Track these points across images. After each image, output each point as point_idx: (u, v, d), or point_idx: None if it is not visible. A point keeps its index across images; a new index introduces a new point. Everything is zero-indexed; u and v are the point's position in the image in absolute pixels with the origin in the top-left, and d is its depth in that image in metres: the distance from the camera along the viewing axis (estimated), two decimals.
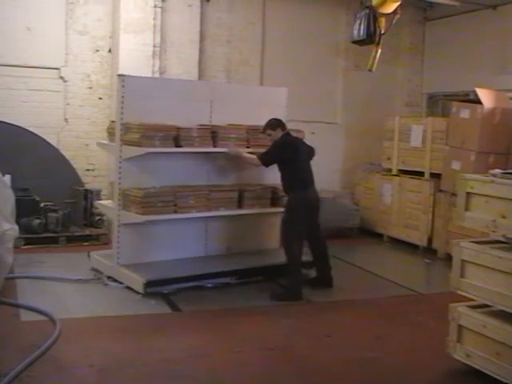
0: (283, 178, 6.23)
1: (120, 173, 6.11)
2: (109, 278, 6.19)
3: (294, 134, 6.58)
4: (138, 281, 5.84)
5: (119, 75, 6.33)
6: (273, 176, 6.62)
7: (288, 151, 6.18)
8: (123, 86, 6.08)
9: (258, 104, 6.91)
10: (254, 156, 6.32)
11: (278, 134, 6.23)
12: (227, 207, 6.41)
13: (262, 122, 6.36)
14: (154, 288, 5.82)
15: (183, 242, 6.50)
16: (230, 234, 6.90)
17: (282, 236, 6.28)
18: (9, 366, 3.97)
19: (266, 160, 6.22)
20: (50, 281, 6.15)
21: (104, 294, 5.89)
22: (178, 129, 6.16)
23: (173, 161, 6.35)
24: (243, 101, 6.87)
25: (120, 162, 6.10)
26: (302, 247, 6.14)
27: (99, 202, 7.36)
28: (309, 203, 6.18)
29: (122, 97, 6.06)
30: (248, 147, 6.59)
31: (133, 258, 6.21)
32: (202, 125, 6.44)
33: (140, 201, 5.85)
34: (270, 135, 6.27)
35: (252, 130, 6.67)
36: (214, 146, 6.41)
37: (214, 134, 6.40)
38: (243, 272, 6.41)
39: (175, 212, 6.06)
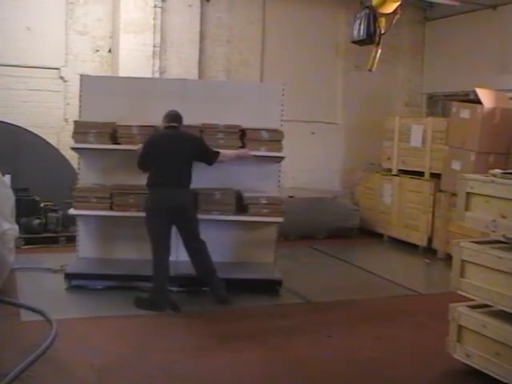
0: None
1: (79, 169, 6.53)
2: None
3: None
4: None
5: (81, 75, 6.67)
6: (238, 180, 6.34)
7: (146, 147, 5.63)
8: (81, 86, 6.41)
9: (237, 101, 6.39)
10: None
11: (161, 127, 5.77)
12: None
13: (242, 121, 6.16)
14: (78, 281, 5.98)
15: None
16: (209, 242, 6.34)
17: None
18: (9, 366, 3.97)
19: (138, 160, 5.67)
20: (43, 278, 6.26)
21: (105, 294, 5.90)
22: (116, 126, 6.15)
23: (126, 160, 6.10)
24: (220, 98, 6.40)
25: (79, 159, 6.50)
26: (164, 254, 5.51)
27: None
28: (163, 206, 5.49)
29: (81, 96, 6.41)
30: None
31: (93, 252, 6.40)
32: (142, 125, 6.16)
33: (75, 195, 6.15)
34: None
35: (208, 129, 6.18)
36: None
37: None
38: (182, 280, 5.96)
39: (111, 209, 6.05)
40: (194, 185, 5.84)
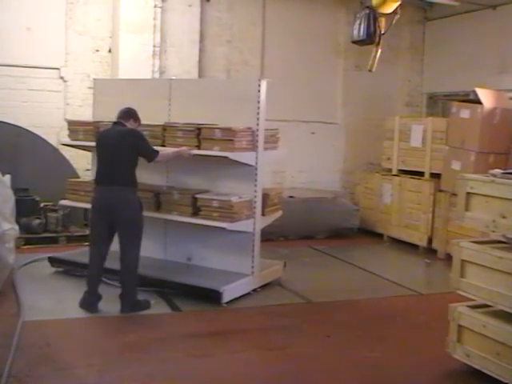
0: None
1: (92, 166, 6.83)
2: None
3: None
4: None
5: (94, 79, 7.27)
6: (220, 181, 6.16)
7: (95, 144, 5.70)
8: (94, 88, 7.05)
9: (227, 100, 6.09)
10: None
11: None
12: (145, 209, 5.70)
13: (230, 119, 5.90)
14: (61, 266, 6.53)
15: (144, 241, 5.64)
16: (192, 244, 6.39)
17: None
18: (8, 366, 3.98)
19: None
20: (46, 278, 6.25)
21: (105, 294, 5.89)
22: (99, 124, 6.41)
23: None
24: (208, 97, 6.22)
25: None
26: (95, 253, 5.45)
27: None
28: (98, 204, 5.44)
29: (94, 97, 7.02)
30: (163, 145, 6.05)
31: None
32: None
33: (67, 187, 6.73)
34: None
35: (168, 127, 6.09)
36: None
37: None
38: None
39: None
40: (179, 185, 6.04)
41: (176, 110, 6.40)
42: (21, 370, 3.99)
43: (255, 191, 6.00)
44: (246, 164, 5.88)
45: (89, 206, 5.84)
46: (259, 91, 5.89)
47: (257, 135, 5.92)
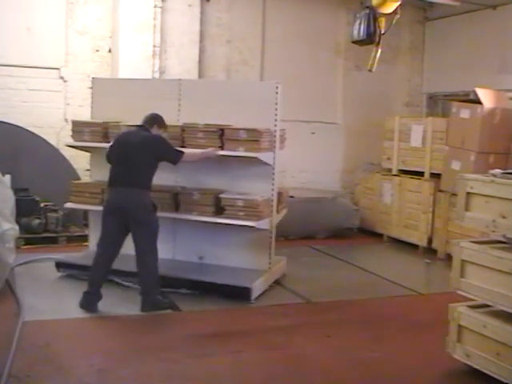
0: None
1: (91, 166, 6.91)
2: None
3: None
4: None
5: (93, 78, 7.07)
6: (236, 181, 6.27)
7: (113, 142, 5.75)
8: (93, 87, 6.86)
9: (237, 101, 6.28)
10: None
11: None
12: (161, 209, 5.86)
13: (240, 121, 6.06)
14: (68, 270, 6.33)
15: None
16: (204, 243, 6.46)
17: None
18: (8, 366, 3.98)
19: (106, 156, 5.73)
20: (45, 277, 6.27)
21: (105, 294, 5.89)
22: (108, 125, 6.39)
23: None
24: (218, 98, 6.35)
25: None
26: (103, 253, 5.46)
27: None
28: (111, 205, 5.45)
29: (92, 97, 6.87)
30: (183, 146, 6.11)
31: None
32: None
33: (71, 190, 6.53)
34: None
35: (188, 128, 6.17)
36: None
37: None
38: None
39: (101, 204, 5.93)
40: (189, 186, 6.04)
41: (186, 110, 6.43)
42: (21, 370, 3.99)
43: (272, 190, 6.23)
44: (265, 164, 6.08)
45: (95, 208, 5.87)
46: (277, 93, 6.14)
47: (274, 136, 6.15)
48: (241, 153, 5.95)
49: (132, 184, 5.36)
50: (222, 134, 6.05)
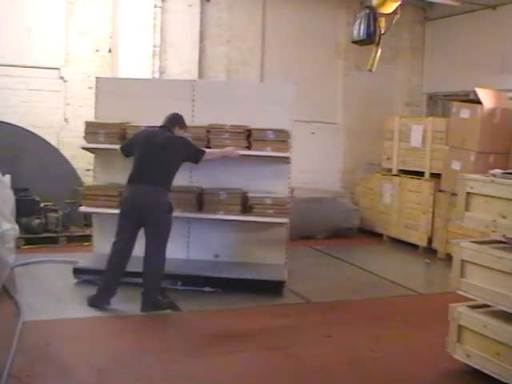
0: None
1: (95, 168, 6.71)
2: None
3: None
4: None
5: (96, 77, 6.84)
6: (251, 180, 6.42)
7: (134, 136, 5.78)
8: (96, 87, 6.59)
9: (252, 102, 6.49)
10: None
11: None
12: (185, 209, 6.04)
13: (256, 122, 6.24)
14: (86, 276, 6.07)
15: None
16: (219, 242, 6.55)
17: None
18: (8, 366, 3.98)
19: (122, 144, 5.81)
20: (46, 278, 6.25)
21: None
22: (126, 126, 6.27)
23: None
24: (234, 99, 6.49)
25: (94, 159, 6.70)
26: (120, 250, 5.40)
27: None
28: (130, 202, 5.41)
29: (96, 97, 6.61)
30: (208, 147, 6.19)
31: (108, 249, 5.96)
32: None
33: (83, 193, 6.36)
34: None
35: (214, 129, 6.25)
36: None
37: None
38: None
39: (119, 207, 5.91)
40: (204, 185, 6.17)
41: (200, 112, 6.46)
42: (21, 370, 3.99)
43: (289, 188, 6.58)
44: (285, 163, 6.38)
45: (112, 211, 5.81)
46: (293, 95, 6.43)
47: (290, 136, 6.34)
48: (269, 153, 6.20)
49: (154, 183, 5.38)
50: (248, 135, 6.20)
